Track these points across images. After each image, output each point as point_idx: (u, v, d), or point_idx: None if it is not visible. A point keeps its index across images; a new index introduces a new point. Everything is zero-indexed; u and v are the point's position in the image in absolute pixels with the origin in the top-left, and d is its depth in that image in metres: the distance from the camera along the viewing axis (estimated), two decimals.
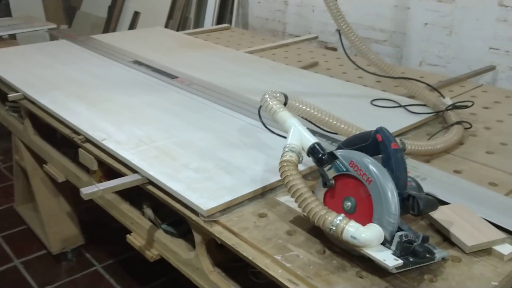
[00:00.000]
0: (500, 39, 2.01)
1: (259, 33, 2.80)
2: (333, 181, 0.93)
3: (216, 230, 0.99)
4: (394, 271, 0.80)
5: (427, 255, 0.84)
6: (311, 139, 0.97)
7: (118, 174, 1.30)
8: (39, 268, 1.94)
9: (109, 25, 3.30)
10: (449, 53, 2.21)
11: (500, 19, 1.98)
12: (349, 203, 0.90)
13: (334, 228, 0.83)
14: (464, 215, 0.97)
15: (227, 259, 1.14)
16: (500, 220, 0.96)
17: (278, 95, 1.09)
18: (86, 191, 1.07)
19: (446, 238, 0.94)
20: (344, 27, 1.54)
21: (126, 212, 1.33)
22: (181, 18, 3.14)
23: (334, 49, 2.58)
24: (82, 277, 1.90)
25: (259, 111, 1.15)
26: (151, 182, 1.14)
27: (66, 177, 1.60)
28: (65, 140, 1.74)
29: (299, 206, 0.89)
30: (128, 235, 1.31)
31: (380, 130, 0.93)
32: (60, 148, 1.69)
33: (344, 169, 0.90)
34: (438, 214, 0.97)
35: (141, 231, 1.28)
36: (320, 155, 0.94)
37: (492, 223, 0.96)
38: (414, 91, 1.58)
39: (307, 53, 2.24)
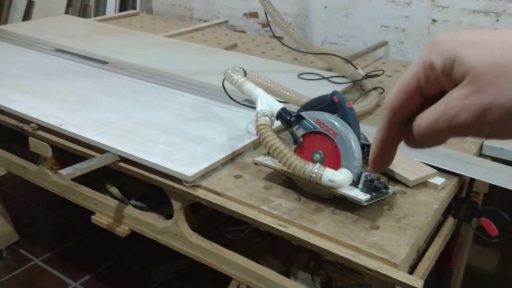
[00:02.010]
0: (390, 18, 2.32)
1: (165, 19, 2.85)
2: (301, 139, 1.08)
3: (201, 193, 1.09)
4: (365, 203, 0.98)
5: (384, 190, 1.04)
6: (278, 105, 1.12)
7: (74, 159, 1.33)
8: None
9: (0, 16, 3.10)
10: (347, 33, 2.48)
11: (389, 0, 2.29)
12: (317, 155, 1.06)
13: (314, 175, 0.99)
14: (401, 158, 1.19)
15: (200, 223, 1.26)
16: (427, 160, 1.20)
17: (238, 69, 1.22)
18: (65, 172, 1.10)
19: (390, 177, 1.16)
20: (270, 10, 1.70)
21: (88, 195, 1.36)
22: (80, 6, 3.06)
23: (243, 32, 2.73)
24: (23, 272, 1.85)
25: (223, 84, 1.26)
26: (123, 159, 1.21)
27: (7, 170, 1.56)
28: None
29: (280, 161, 1.03)
30: (93, 216, 1.35)
31: (336, 93, 1.11)
32: None
33: (312, 127, 1.07)
34: None
35: (108, 210, 1.33)
36: (288, 118, 1.09)
37: (422, 162, 1.19)
38: (333, 65, 1.80)
39: (224, 36, 2.37)
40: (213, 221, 1.27)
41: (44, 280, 1.83)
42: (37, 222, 2.17)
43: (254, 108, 1.16)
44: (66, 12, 3.00)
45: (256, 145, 1.26)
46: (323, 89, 1.66)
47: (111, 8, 3.03)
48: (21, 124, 1.39)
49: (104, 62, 1.80)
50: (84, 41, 2.05)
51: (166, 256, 1.90)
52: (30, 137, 1.38)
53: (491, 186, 1.26)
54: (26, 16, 3.09)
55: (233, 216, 1.07)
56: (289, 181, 1.11)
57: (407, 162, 1.18)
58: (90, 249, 2.01)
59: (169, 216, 1.25)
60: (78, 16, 3.03)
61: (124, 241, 1.52)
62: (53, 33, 2.15)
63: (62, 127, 1.30)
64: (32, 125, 1.37)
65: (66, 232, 2.13)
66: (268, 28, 2.72)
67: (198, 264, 1.21)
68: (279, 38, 1.80)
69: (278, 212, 1.02)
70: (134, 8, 3.04)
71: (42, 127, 1.36)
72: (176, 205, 1.17)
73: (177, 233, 1.20)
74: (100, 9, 3.13)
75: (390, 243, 0.93)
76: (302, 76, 1.76)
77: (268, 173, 1.15)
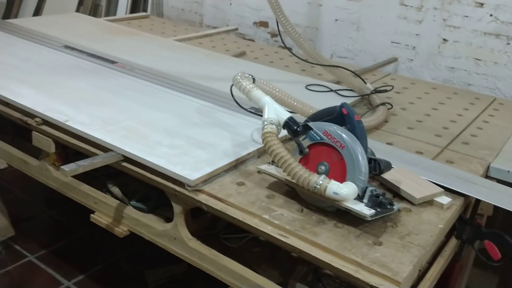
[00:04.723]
0: (400, 34, 2.31)
1: (175, 23, 2.86)
2: (307, 149, 1.07)
3: (203, 198, 1.08)
4: (369, 218, 0.96)
5: (389, 206, 1.02)
6: (285, 114, 1.11)
7: (76, 156, 1.31)
8: None
9: (11, 10, 3.11)
10: (356, 47, 2.47)
11: (401, 17, 2.28)
12: (323, 167, 1.05)
13: (318, 186, 0.97)
14: (407, 175, 1.17)
15: (200, 228, 1.24)
16: (434, 178, 1.18)
17: (247, 75, 1.21)
18: (68, 168, 1.09)
19: (396, 194, 1.14)
20: (282, 19, 1.69)
21: (88, 193, 1.35)
22: (92, 5, 3.07)
23: (252, 41, 2.73)
24: (16, 269, 1.83)
25: (231, 90, 1.25)
26: (126, 159, 1.19)
27: (8, 164, 1.55)
28: None
29: (284, 171, 1.02)
30: (92, 215, 1.33)
31: (345, 105, 1.09)
32: None
33: (318, 138, 1.05)
34: (387, 175, 1.15)
35: (107, 210, 1.31)
36: (295, 127, 1.08)
37: (429, 181, 1.17)
38: (342, 78, 1.79)
39: (232, 43, 2.37)
40: (212, 227, 1.25)
41: (37, 277, 1.81)
42: (34, 218, 2.16)
43: (260, 115, 1.15)
44: (77, 11, 3.01)
45: (260, 153, 1.25)
46: (330, 101, 1.65)
47: (122, 9, 3.04)
48: (25, 118, 1.38)
49: (112, 62, 1.79)
50: (93, 40, 2.04)
51: (161, 260, 1.88)
52: (33, 132, 1.37)
53: (495, 209, 1.24)
54: (37, 12, 3.10)
55: (233, 223, 1.05)
56: (292, 192, 1.10)
57: (414, 179, 1.16)
58: (85, 249, 1.99)
59: (168, 219, 1.23)
60: (89, 15, 3.03)
61: (119, 243, 1.50)
62: (63, 30, 2.15)
63: (67, 123, 1.29)
64: (37, 119, 1.36)
65: (62, 230, 2.11)
66: (277, 38, 2.72)
67: (193, 270, 1.19)
68: (289, 48, 1.79)
69: (280, 222, 1.00)
70: (145, 10, 3.05)
71: (46, 122, 1.35)
72: (177, 208, 1.15)
73: (176, 237, 1.18)
74: (111, 10, 3.14)
75: (393, 260, 0.91)
76: (309, 87, 1.75)
77: (271, 182, 1.13)
